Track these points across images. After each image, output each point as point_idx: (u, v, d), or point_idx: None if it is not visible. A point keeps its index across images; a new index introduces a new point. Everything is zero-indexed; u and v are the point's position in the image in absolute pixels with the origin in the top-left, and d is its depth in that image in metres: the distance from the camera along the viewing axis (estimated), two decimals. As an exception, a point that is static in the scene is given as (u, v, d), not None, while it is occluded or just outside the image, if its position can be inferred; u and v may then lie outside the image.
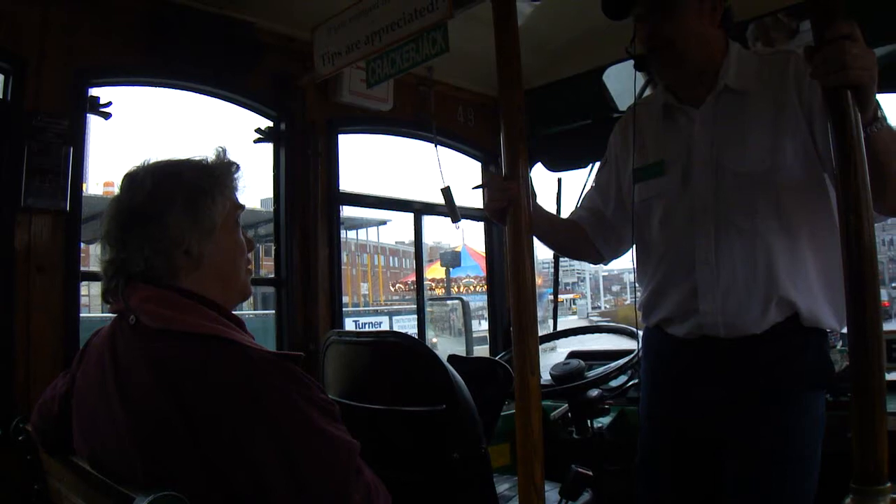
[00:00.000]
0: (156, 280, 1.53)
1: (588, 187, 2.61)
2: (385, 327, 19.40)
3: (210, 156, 1.67)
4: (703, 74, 2.15)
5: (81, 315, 2.93)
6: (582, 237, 2.51)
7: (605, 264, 2.74)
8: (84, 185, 3.03)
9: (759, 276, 2.05)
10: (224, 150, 1.69)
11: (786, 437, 2.01)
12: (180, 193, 1.56)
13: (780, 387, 2.04)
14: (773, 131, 2.03)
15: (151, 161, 1.65)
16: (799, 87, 2.00)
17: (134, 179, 1.60)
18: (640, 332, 3.35)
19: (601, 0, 2.19)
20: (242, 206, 1.70)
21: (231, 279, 1.64)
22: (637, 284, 2.50)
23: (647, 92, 3.06)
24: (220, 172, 1.65)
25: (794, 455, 2.01)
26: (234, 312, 1.64)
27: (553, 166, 4.55)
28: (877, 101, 1.59)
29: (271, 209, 3.81)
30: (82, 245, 3.02)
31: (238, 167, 1.69)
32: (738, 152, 2.07)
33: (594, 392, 3.07)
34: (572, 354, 3.87)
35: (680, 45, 2.09)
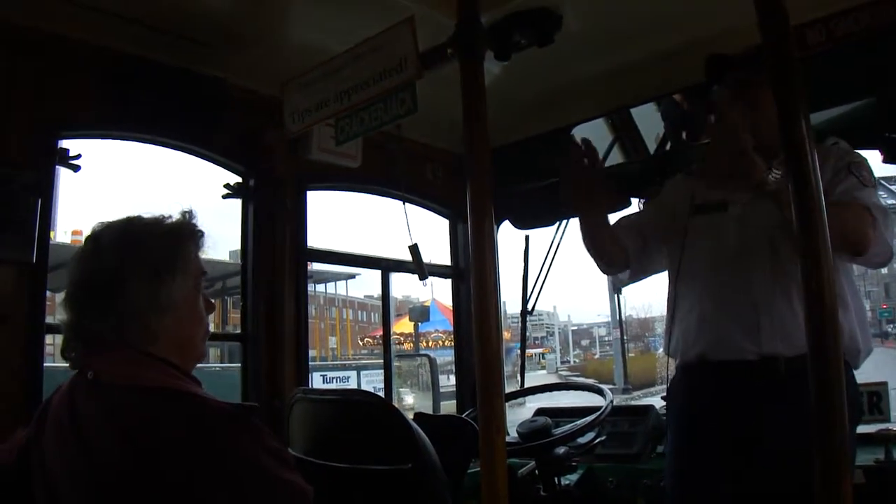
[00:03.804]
0: (115, 345, 1.53)
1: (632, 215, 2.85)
2: (353, 382, 19.24)
3: (175, 215, 1.67)
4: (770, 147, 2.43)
5: (46, 365, 2.85)
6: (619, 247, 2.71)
7: (622, 287, 2.95)
8: (52, 234, 3.00)
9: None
10: (191, 214, 1.70)
11: None
12: (143, 269, 1.57)
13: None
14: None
15: (116, 222, 1.64)
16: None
17: (97, 244, 1.60)
18: (607, 388, 3.38)
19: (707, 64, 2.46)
20: (205, 273, 1.71)
21: (188, 347, 1.66)
22: (671, 318, 2.66)
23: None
24: (184, 240, 1.65)
25: None
26: (201, 362, 1.66)
27: (520, 224, 4.58)
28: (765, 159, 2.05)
29: (239, 262, 3.80)
30: (49, 293, 2.97)
31: (202, 234, 1.70)
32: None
33: (561, 449, 3.06)
34: (540, 411, 3.86)
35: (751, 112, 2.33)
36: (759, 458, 2.25)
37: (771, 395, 2.26)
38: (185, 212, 1.70)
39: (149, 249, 1.59)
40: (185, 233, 1.67)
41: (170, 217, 1.68)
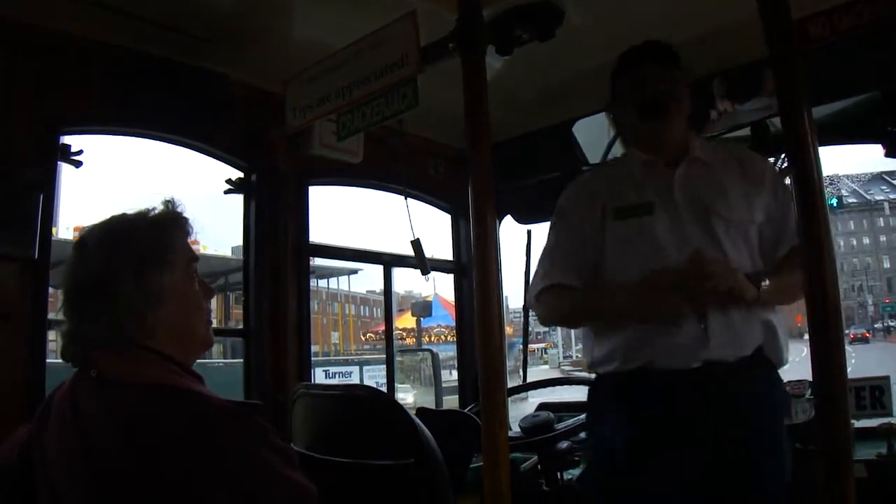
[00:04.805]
0: (113, 343, 1.53)
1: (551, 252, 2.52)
2: (355, 377, 19.26)
3: (158, 206, 1.67)
4: (676, 142, 2.37)
5: (49, 361, 2.84)
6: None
7: None
8: (54, 230, 3.00)
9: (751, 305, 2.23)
10: (173, 202, 1.69)
11: (780, 459, 2.20)
12: (131, 264, 1.55)
13: (773, 414, 2.25)
14: (744, 192, 2.30)
15: (100, 223, 1.64)
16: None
17: (83, 249, 1.59)
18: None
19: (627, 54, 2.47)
20: (197, 258, 1.70)
21: (188, 336, 1.65)
22: (597, 328, 2.42)
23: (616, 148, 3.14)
24: (169, 229, 1.65)
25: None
26: (204, 358, 1.65)
27: (522, 219, 4.60)
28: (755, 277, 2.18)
29: (241, 257, 3.80)
30: (51, 290, 2.96)
31: (187, 220, 1.69)
32: (724, 201, 2.27)
33: (564, 444, 3.06)
34: (542, 406, 3.86)
35: (677, 100, 2.34)
36: (711, 456, 2.17)
37: (712, 397, 2.17)
38: (168, 201, 1.69)
39: (136, 243, 1.58)
40: (169, 221, 1.66)
41: (153, 209, 1.67)
